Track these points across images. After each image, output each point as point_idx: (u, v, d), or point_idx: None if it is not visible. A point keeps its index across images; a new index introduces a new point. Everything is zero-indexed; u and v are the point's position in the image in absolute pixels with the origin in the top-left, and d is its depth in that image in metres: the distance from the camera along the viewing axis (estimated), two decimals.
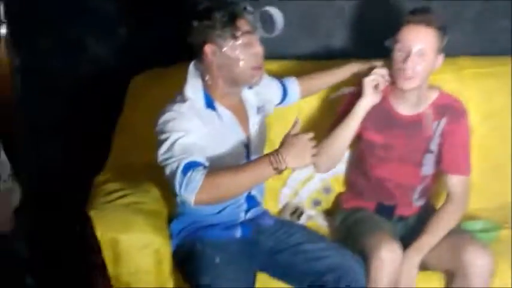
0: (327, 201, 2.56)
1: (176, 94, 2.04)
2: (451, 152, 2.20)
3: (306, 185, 2.53)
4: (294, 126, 1.86)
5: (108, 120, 2.63)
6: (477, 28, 2.80)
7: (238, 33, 1.94)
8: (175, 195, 1.94)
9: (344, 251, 2.08)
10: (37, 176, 2.82)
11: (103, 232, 2.02)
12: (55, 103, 2.85)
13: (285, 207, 2.53)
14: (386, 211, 2.29)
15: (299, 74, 2.45)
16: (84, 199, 2.23)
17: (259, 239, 2.13)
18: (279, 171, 1.80)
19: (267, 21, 1.98)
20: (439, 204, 2.31)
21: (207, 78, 2.01)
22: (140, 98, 2.59)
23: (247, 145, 2.10)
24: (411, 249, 2.08)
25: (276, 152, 1.81)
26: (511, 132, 2.58)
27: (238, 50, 1.95)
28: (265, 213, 2.24)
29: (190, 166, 1.84)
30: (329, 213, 2.53)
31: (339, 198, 2.51)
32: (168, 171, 1.88)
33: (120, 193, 2.24)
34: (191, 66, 2.05)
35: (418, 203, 2.31)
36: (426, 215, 2.20)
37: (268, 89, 2.26)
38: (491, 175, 2.56)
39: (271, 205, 2.46)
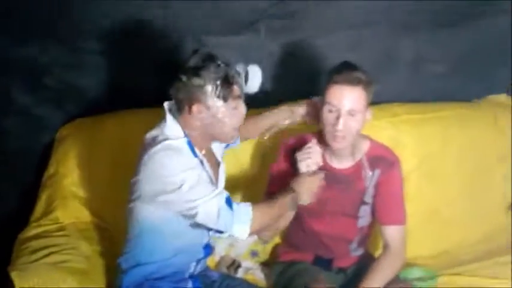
0: (265, 252, 2.51)
1: (149, 138, 1.92)
2: (385, 203, 2.17)
3: None
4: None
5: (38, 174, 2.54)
6: (410, 73, 2.83)
7: (231, 98, 1.89)
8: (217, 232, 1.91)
9: None
10: None
11: None
12: None
13: (221, 259, 2.47)
14: (324, 263, 2.25)
15: None
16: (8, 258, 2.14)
17: None
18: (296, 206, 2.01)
19: (247, 79, 1.97)
20: (377, 253, 2.28)
21: (187, 131, 1.93)
22: (67, 148, 2.51)
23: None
24: None
25: (292, 189, 2.00)
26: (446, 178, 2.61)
27: (226, 112, 1.90)
28: (207, 266, 2.19)
29: (229, 200, 1.86)
30: (266, 265, 2.47)
31: (275, 250, 2.46)
32: (203, 213, 1.82)
33: (45, 251, 2.14)
34: (168, 114, 1.94)
35: (355, 253, 2.28)
36: (365, 265, 2.16)
37: None
38: (427, 221, 2.57)
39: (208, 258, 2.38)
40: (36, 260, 2.09)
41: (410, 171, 2.57)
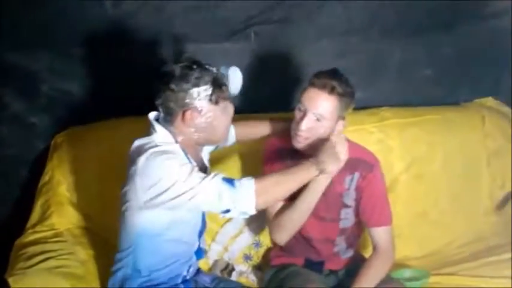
0: (257, 255, 2.53)
1: (137, 147, 1.90)
2: (369, 205, 2.17)
3: (236, 241, 2.50)
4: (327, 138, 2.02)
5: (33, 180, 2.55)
6: (399, 78, 2.87)
7: (221, 100, 1.91)
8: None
9: None
10: None
11: None
12: None
13: (215, 263, 2.48)
14: (315, 266, 2.26)
15: None
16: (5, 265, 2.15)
17: None
18: (321, 172, 1.96)
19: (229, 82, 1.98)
20: (367, 253, 2.31)
21: (179, 139, 1.93)
22: (62, 156, 2.52)
23: None
24: None
25: (315, 157, 1.96)
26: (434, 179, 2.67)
27: (218, 114, 1.93)
28: (199, 269, 2.20)
29: (227, 179, 1.86)
30: (259, 268, 2.50)
31: (267, 254, 2.47)
32: (204, 198, 1.82)
33: (41, 257, 2.15)
34: (156, 123, 1.93)
35: (345, 255, 2.29)
36: (356, 267, 2.18)
37: None
38: (416, 222, 2.61)
39: (202, 261, 2.40)
40: (33, 266, 2.10)
41: (399, 173, 2.62)
